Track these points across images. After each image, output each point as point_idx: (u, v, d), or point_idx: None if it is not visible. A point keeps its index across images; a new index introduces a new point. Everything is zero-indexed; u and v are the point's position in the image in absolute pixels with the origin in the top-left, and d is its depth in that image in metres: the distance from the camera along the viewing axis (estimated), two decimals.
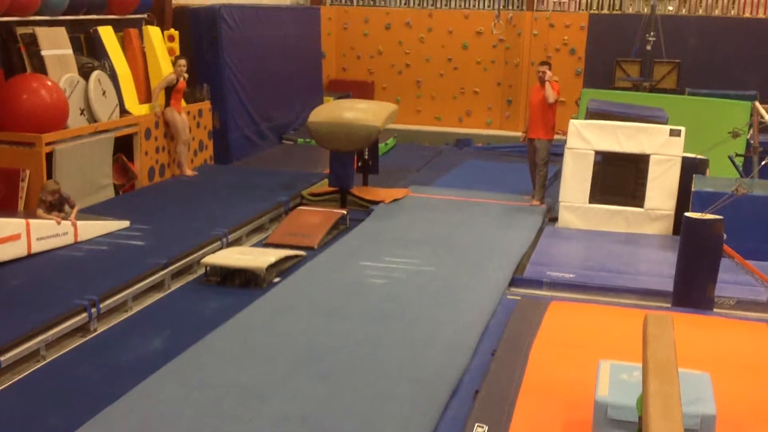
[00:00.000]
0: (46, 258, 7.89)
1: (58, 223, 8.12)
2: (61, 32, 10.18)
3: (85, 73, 10.35)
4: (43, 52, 9.81)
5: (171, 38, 12.35)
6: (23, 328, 6.18)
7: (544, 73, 10.81)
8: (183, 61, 11.68)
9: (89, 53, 10.90)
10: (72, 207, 8.44)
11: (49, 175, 9.25)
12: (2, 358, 5.85)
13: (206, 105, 12.88)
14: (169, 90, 11.55)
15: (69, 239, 8.27)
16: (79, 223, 8.41)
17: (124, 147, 10.85)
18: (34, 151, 9.13)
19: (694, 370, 4.73)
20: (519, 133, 15.49)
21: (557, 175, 11.56)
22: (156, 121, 11.36)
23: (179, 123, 11.62)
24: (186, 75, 11.79)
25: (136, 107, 11.19)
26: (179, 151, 11.72)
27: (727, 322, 6.95)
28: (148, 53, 11.81)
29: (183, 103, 11.98)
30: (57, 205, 8.34)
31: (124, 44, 11.44)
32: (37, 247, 7.91)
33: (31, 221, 7.89)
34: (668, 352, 3.99)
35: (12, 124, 9.29)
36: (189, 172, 11.87)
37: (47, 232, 8.03)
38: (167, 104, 11.55)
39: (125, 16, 11.56)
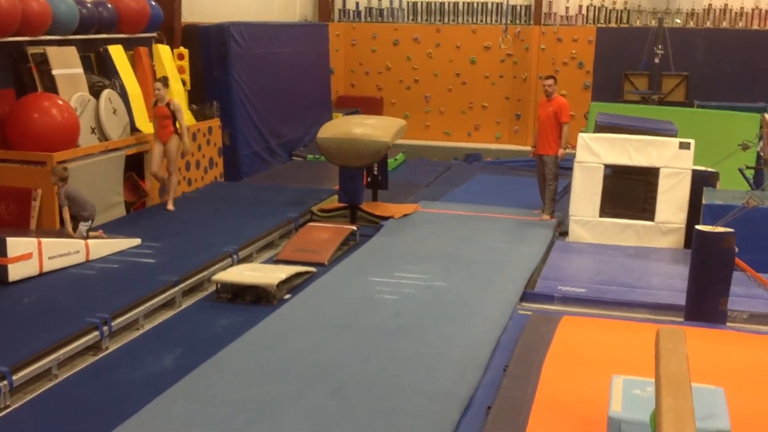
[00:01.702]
0: (58, 276, 7.92)
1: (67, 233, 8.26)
2: (72, 51, 10.26)
3: (95, 91, 10.44)
4: (54, 72, 9.89)
5: (180, 56, 12.43)
6: (35, 347, 6.20)
7: (549, 86, 10.83)
8: (157, 84, 10.66)
9: (100, 72, 10.98)
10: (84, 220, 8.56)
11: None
12: (15, 377, 5.86)
13: (216, 122, 12.93)
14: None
15: (80, 258, 8.30)
16: (90, 241, 8.45)
17: (134, 165, 10.91)
18: (45, 170, 9.17)
19: (708, 384, 4.70)
20: (528, 148, 15.48)
21: (567, 189, 11.54)
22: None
23: (155, 153, 10.61)
24: (165, 98, 10.59)
25: (146, 125, 11.23)
26: (164, 180, 10.82)
27: (740, 336, 6.91)
28: (158, 71, 11.88)
29: (178, 125, 10.71)
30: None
31: (134, 62, 11.52)
32: (48, 266, 7.94)
33: (43, 240, 7.93)
34: (681, 366, 3.96)
35: (23, 143, 9.36)
36: (170, 206, 10.73)
37: (59, 251, 8.07)
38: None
39: (135, 35, 11.64)
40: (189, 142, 11.00)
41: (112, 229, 9.43)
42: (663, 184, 9.94)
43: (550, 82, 10.91)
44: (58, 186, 8.63)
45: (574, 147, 10.60)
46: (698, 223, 8.15)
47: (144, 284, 7.73)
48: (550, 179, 10.89)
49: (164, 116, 10.55)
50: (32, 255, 7.78)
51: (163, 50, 11.99)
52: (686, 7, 17.09)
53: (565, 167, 11.35)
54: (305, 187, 12.56)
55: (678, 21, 17.12)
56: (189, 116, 12.37)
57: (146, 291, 7.58)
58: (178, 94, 12.10)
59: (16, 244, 7.65)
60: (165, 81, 10.78)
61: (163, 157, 10.67)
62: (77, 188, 8.81)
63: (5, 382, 5.76)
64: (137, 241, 9.00)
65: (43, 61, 9.88)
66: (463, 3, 18.36)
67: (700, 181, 9.88)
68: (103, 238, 8.72)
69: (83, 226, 8.59)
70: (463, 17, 18.43)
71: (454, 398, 5.67)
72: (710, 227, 7.25)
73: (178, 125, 10.66)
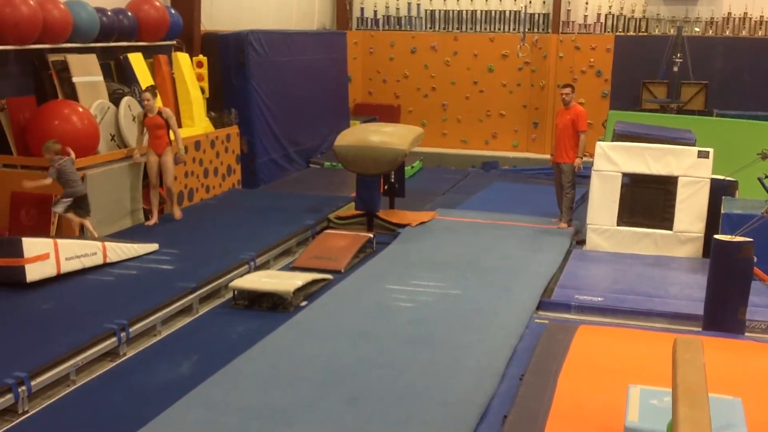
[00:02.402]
0: (76, 282, 7.98)
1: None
2: (92, 59, 10.36)
3: (115, 99, 10.53)
4: (75, 79, 9.99)
5: (200, 64, 12.51)
6: (54, 353, 6.25)
7: (567, 94, 10.81)
8: (146, 94, 10.24)
9: (119, 79, 11.07)
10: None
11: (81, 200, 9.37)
12: (33, 383, 5.90)
13: (234, 129, 13.00)
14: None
15: (98, 260, 8.37)
16: (108, 244, 8.54)
17: None
18: None
19: (725, 395, 4.67)
20: (545, 156, 15.46)
21: (584, 197, 11.50)
22: (185, 146, 11.41)
23: (151, 165, 10.26)
24: (155, 108, 10.23)
25: None
26: (151, 194, 10.38)
27: (758, 346, 6.85)
28: (177, 79, 11.98)
29: (171, 136, 10.49)
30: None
31: (154, 70, 11.61)
32: (66, 266, 8.01)
33: (59, 241, 8.01)
34: (698, 376, 3.95)
35: None
36: (178, 214, 10.64)
37: (75, 252, 8.13)
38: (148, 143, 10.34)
39: (155, 43, 11.73)
40: (183, 150, 10.78)
41: (131, 235, 9.52)
42: (681, 192, 9.89)
43: (568, 90, 10.89)
44: (52, 160, 8.75)
45: (591, 156, 10.57)
46: (717, 233, 8.11)
47: (162, 291, 7.77)
48: (567, 187, 10.87)
49: (158, 126, 10.25)
50: (49, 255, 7.84)
51: (182, 58, 12.08)
52: (705, 15, 17.02)
53: (584, 175, 11.32)
54: (322, 194, 12.60)
55: (697, 29, 17.05)
56: (207, 123, 12.45)
57: (164, 297, 7.62)
58: (197, 101, 12.19)
59: (32, 245, 7.72)
60: (153, 90, 10.41)
61: (159, 169, 10.35)
62: (73, 168, 8.91)
63: (24, 388, 5.80)
64: (155, 247, 9.06)
65: (64, 69, 9.98)
66: (481, 11, 18.37)
67: (719, 190, 9.82)
68: (95, 238, 8.76)
69: (62, 203, 8.72)
70: (480, 25, 18.43)
71: (470, 407, 5.66)
72: (729, 236, 7.20)
73: (171, 134, 10.45)
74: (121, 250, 8.67)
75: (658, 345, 6.32)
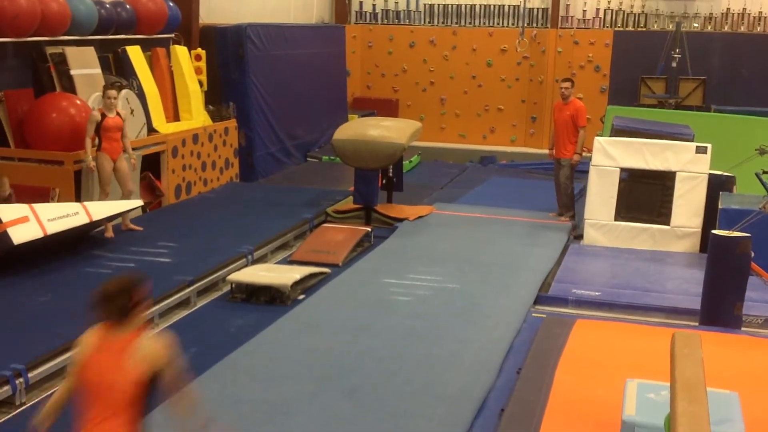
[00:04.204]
0: (73, 274, 7.97)
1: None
2: (90, 52, 10.35)
3: None
4: (73, 72, 9.98)
5: (198, 57, 12.49)
6: (51, 345, 6.24)
7: (566, 89, 10.82)
8: (112, 92, 9.19)
9: (117, 72, 11.05)
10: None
11: (77, 194, 9.35)
12: (30, 375, 5.90)
13: (232, 123, 12.99)
14: (98, 130, 9.13)
15: (83, 218, 8.37)
16: (90, 203, 8.52)
17: (151, 165, 10.96)
18: (63, 170, 9.26)
19: (723, 389, 4.68)
20: (543, 151, 15.46)
21: (582, 192, 11.51)
22: (183, 139, 11.43)
23: (106, 172, 9.18)
24: (118, 109, 9.30)
25: (163, 126, 11.31)
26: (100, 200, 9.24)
27: (755, 340, 6.87)
28: (176, 72, 11.96)
29: (127, 143, 9.45)
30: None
31: (152, 63, 11.59)
32: (52, 227, 7.97)
33: (35, 205, 7.98)
34: (696, 371, 3.95)
35: (41, 142, 9.44)
36: (130, 225, 9.51)
37: (57, 213, 8.13)
38: (99, 147, 9.16)
39: (153, 36, 11.72)
40: (134, 157, 9.68)
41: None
42: (679, 188, 9.90)
43: (567, 84, 10.89)
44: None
45: (590, 151, 10.58)
46: (714, 228, 8.11)
47: (159, 284, 7.73)
48: (565, 181, 10.88)
49: (118, 128, 9.21)
50: (29, 218, 7.79)
51: (180, 51, 12.06)
52: (704, 11, 17.03)
53: (582, 170, 11.33)
54: (320, 188, 12.60)
55: (696, 25, 17.05)
56: (205, 117, 12.43)
57: (161, 290, 7.60)
58: (195, 95, 12.18)
59: (6, 209, 7.75)
60: (120, 87, 9.82)
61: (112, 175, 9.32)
62: None
63: (21, 380, 5.80)
64: (139, 203, 9.23)
65: (62, 61, 9.97)
66: (480, 5, 18.35)
67: (717, 186, 9.83)
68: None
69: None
70: (479, 20, 18.42)
71: (468, 400, 5.67)
72: (726, 232, 7.21)
73: (123, 138, 9.35)
74: (103, 208, 8.62)
75: (655, 339, 6.34)
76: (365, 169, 10.92)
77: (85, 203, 8.53)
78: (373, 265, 8.94)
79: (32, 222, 7.81)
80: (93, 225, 8.46)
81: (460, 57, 18.40)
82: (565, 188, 10.91)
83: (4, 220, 7.61)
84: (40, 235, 7.85)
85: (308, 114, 15.53)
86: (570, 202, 11.05)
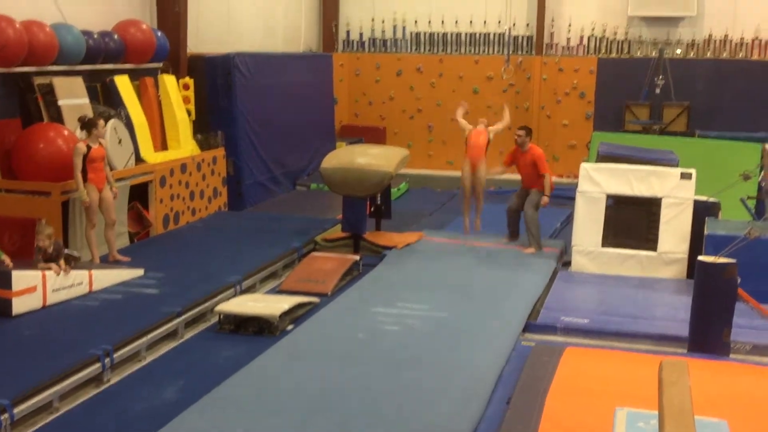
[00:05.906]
0: (60, 308, 7.91)
1: (57, 273, 7.98)
2: (78, 82, 10.36)
3: None
4: (60, 102, 9.98)
5: (186, 86, 12.52)
6: (37, 379, 6.19)
7: (519, 137, 10.77)
8: (102, 122, 9.41)
9: (105, 102, 11.06)
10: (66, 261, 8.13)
11: (65, 225, 9.31)
12: (16, 410, 5.84)
13: (220, 152, 13.00)
14: (84, 161, 9.15)
15: (84, 289, 8.30)
16: (94, 272, 8.45)
17: (139, 195, 10.95)
18: (50, 201, 9.23)
19: (711, 417, 4.69)
20: None
21: (569, 219, 11.54)
22: (171, 169, 11.43)
23: (94, 203, 9.25)
24: (102, 140, 9.41)
25: (151, 155, 11.30)
26: (88, 235, 9.33)
27: (743, 367, 6.87)
28: (164, 101, 11.98)
29: (108, 172, 9.53)
30: (54, 256, 8.10)
31: (140, 93, 11.61)
32: (52, 298, 7.93)
33: (48, 273, 7.91)
34: (684, 398, 3.96)
35: (28, 173, 9.42)
36: (117, 256, 9.60)
37: (62, 284, 8.05)
38: (85, 179, 9.15)
39: (141, 65, 11.74)
40: (116, 186, 9.69)
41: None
42: (665, 214, 9.95)
43: (522, 133, 10.79)
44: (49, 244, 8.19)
45: (576, 176, 10.58)
46: (701, 254, 8.15)
47: (147, 315, 7.73)
48: (532, 213, 10.62)
49: (102, 158, 9.34)
50: (36, 288, 7.77)
51: (168, 80, 12.08)
52: (687, 37, 17.21)
53: (568, 197, 11.35)
54: (309, 216, 12.59)
55: (678, 51, 17.23)
56: (194, 146, 12.44)
57: (149, 322, 7.57)
58: (183, 123, 12.20)
59: (21, 278, 7.64)
60: (108, 117, 9.86)
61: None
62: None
63: (6, 415, 5.74)
64: (140, 272, 9.01)
65: (50, 92, 9.97)
66: (466, 34, 18.50)
67: (702, 211, 9.88)
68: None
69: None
70: (465, 48, 18.56)
71: (458, 431, 5.64)
72: (713, 258, 7.24)
73: (106, 167, 9.48)
74: (106, 277, 8.59)
75: (645, 367, 6.32)
76: (353, 197, 10.94)
77: (93, 272, 8.41)
78: (362, 294, 8.93)
79: (37, 292, 7.77)
80: (89, 294, 8.40)
81: (447, 85, 18.51)
82: (533, 218, 10.66)
83: (14, 289, 7.55)
84: (38, 306, 7.79)
85: (296, 142, 15.57)
86: (538, 232, 10.79)
